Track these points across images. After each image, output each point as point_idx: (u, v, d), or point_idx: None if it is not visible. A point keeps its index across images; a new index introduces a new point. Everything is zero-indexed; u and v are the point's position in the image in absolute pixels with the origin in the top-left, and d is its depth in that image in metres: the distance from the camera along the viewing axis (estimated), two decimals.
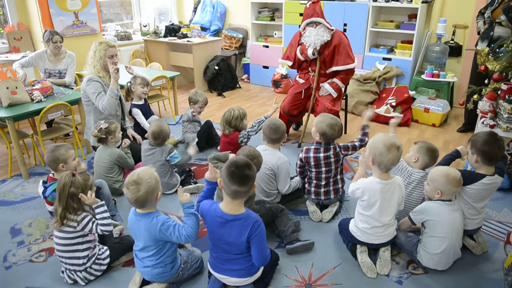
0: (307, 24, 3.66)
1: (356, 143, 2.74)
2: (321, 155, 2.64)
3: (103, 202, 2.18)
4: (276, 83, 5.89)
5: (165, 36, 5.99)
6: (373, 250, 2.33)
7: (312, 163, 2.66)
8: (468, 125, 4.27)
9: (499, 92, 3.19)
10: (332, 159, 2.65)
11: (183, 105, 5.21)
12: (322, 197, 2.74)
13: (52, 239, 2.50)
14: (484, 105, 3.19)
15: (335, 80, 3.77)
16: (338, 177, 2.76)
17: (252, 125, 3.22)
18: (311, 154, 2.66)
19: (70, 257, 2.11)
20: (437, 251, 2.16)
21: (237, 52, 6.42)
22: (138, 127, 3.74)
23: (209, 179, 2.04)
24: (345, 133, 4.28)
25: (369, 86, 4.86)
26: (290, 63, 3.93)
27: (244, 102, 5.45)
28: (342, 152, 2.69)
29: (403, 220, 2.34)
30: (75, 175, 2.11)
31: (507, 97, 3.02)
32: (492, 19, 3.63)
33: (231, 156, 2.42)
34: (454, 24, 4.86)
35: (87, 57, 3.22)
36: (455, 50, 4.90)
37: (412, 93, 4.67)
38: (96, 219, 2.12)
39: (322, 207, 2.80)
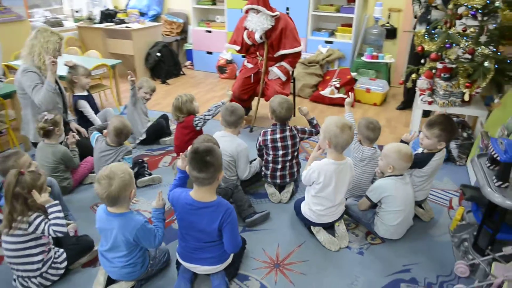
0: (249, 8, 3.64)
1: (312, 130, 2.84)
2: (278, 136, 2.70)
3: (57, 201, 2.02)
4: (221, 69, 5.82)
5: (100, 22, 5.62)
6: (328, 228, 2.43)
7: (270, 145, 2.71)
8: (406, 103, 4.57)
9: (433, 71, 3.45)
10: (289, 142, 2.72)
11: (125, 95, 4.97)
12: (278, 181, 2.81)
13: (1, 246, 2.32)
14: (422, 83, 3.43)
15: (283, 63, 3.82)
16: (294, 161, 2.83)
17: (209, 109, 3.16)
18: (268, 137, 2.72)
19: (23, 263, 1.95)
20: (393, 223, 2.31)
21: (178, 38, 6.22)
22: (82, 121, 3.50)
23: (181, 167, 2.01)
24: (294, 115, 4.36)
25: (313, 69, 4.99)
26: (238, 48, 3.91)
27: (191, 89, 5.33)
28: (299, 134, 2.76)
29: (362, 201, 2.45)
30: (24, 173, 1.93)
31: (442, 75, 3.28)
32: (428, 3, 3.87)
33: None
34: (389, 7, 5.13)
35: (27, 45, 2.91)
36: (391, 33, 5.18)
37: (353, 74, 4.88)
38: (49, 219, 1.97)
39: (280, 187, 2.87)
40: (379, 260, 2.25)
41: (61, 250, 2.10)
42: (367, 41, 5.11)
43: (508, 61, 3.02)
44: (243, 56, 5.60)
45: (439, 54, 3.21)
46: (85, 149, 3.05)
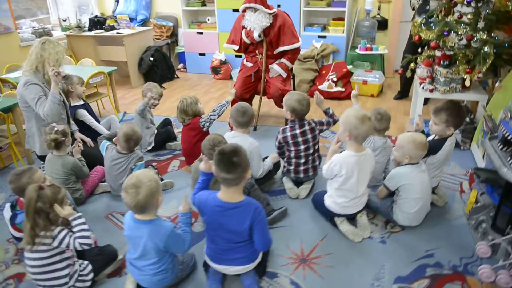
0: (247, 7, 3.64)
1: (330, 120, 2.84)
2: (297, 131, 2.70)
3: (80, 214, 2.00)
4: (215, 70, 5.81)
5: (90, 29, 5.54)
6: (350, 219, 2.46)
7: (291, 142, 2.71)
8: (403, 93, 4.64)
9: (430, 59, 3.51)
10: (309, 135, 2.72)
11: (122, 102, 4.93)
12: (301, 175, 2.81)
13: (17, 264, 2.28)
14: (422, 71, 3.48)
15: (283, 60, 3.83)
16: (316, 154, 2.84)
17: (214, 109, 3.15)
18: (288, 133, 2.71)
19: (50, 278, 1.92)
20: (412, 211, 2.35)
21: (169, 41, 6.19)
22: (84, 130, 3.44)
23: (204, 170, 2.00)
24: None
25: (309, 64, 5.01)
26: (237, 47, 3.90)
27: (187, 92, 5.30)
28: (318, 127, 2.78)
29: (380, 189, 2.49)
30: (43, 188, 1.90)
31: (442, 62, 3.33)
32: None
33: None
34: None
35: (33, 58, 2.81)
36: (382, 24, 5.24)
37: (349, 67, 4.92)
38: (73, 232, 1.95)
39: (298, 183, 2.88)
40: (402, 247, 2.29)
41: (86, 262, 2.07)
42: (359, 33, 5.17)
43: (505, 45, 3.08)
44: (237, 56, 5.64)
45: (438, 42, 3.27)
46: (92, 159, 3.02)
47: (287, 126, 2.75)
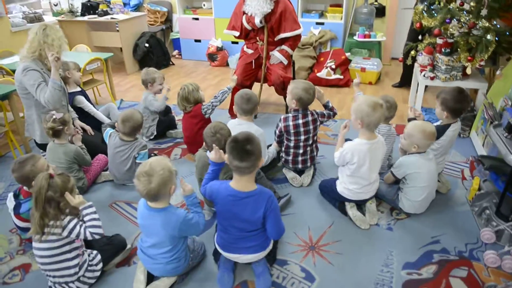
0: None
1: (330, 112, 2.83)
2: (300, 121, 2.68)
3: (91, 203, 1.97)
4: (211, 57, 5.73)
5: (82, 14, 5.39)
6: (359, 205, 2.49)
7: (292, 131, 2.69)
8: (403, 81, 4.64)
9: (431, 46, 3.51)
10: (311, 126, 2.71)
11: (117, 89, 4.84)
12: (300, 166, 2.81)
13: (22, 254, 2.25)
14: (423, 59, 3.49)
15: (284, 47, 3.78)
16: (314, 145, 2.84)
17: (215, 96, 3.13)
18: (290, 123, 2.68)
19: (60, 269, 1.89)
20: (418, 199, 2.37)
21: (164, 27, 6.07)
22: (82, 117, 3.37)
23: (214, 160, 1.98)
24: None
25: (307, 51, 4.98)
26: (237, 33, 3.84)
27: (184, 79, 5.24)
28: (320, 118, 2.76)
29: (387, 176, 2.51)
30: (53, 176, 1.86)
31: (443, 50, 3.34)
32: None
33: None
34: None
35: (34, 44, 2.73)
36: (380, 11, 5.22)
37: (347, 54, 4.90)
38: (84, 221, 1.92)
39: (299, 171, 2.88)
40: (408, 234, 2.32)
41: (95, 251, 2.05)
42: (357, 20, 5.14)
43: (507, 33, 3.09)
44: (233, 43, 5.57)
45: (440, 29, 3.26)
46: (93, 147, 2.97)
47: (290, 115, 2.72)
